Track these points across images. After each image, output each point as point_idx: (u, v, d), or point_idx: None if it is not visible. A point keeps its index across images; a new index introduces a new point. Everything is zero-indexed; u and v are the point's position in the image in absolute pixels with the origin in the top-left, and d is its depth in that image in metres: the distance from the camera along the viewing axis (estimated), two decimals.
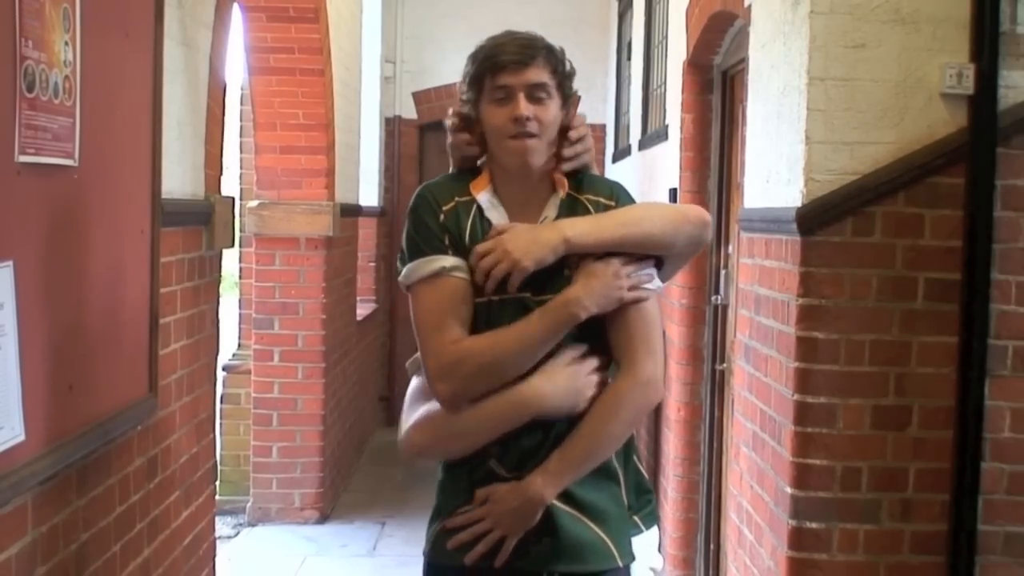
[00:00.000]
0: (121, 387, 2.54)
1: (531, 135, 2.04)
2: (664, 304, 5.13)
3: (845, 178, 2.96)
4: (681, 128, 4.85)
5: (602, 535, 2.08)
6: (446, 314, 2.02)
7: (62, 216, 2.16)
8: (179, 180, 3.00)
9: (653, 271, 2.12)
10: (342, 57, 6.29)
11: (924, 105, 2.98)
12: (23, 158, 1.94)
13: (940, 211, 2.98)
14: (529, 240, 2.01)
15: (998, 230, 2.95)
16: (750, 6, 3.62)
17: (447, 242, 2.05)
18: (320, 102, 5.88)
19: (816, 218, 2.96)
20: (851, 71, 2.97)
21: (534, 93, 2.04)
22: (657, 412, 5.20)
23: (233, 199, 3.61)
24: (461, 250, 2.05)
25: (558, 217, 2.09)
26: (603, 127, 8.24)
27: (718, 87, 4.78)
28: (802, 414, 2.99)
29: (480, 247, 2.02)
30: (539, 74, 2.04)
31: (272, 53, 5.74)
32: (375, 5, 7.76)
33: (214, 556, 3.58)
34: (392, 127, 8.27)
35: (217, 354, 3.42)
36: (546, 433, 2.05)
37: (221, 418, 6.34)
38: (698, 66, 4.79)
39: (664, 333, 2.08)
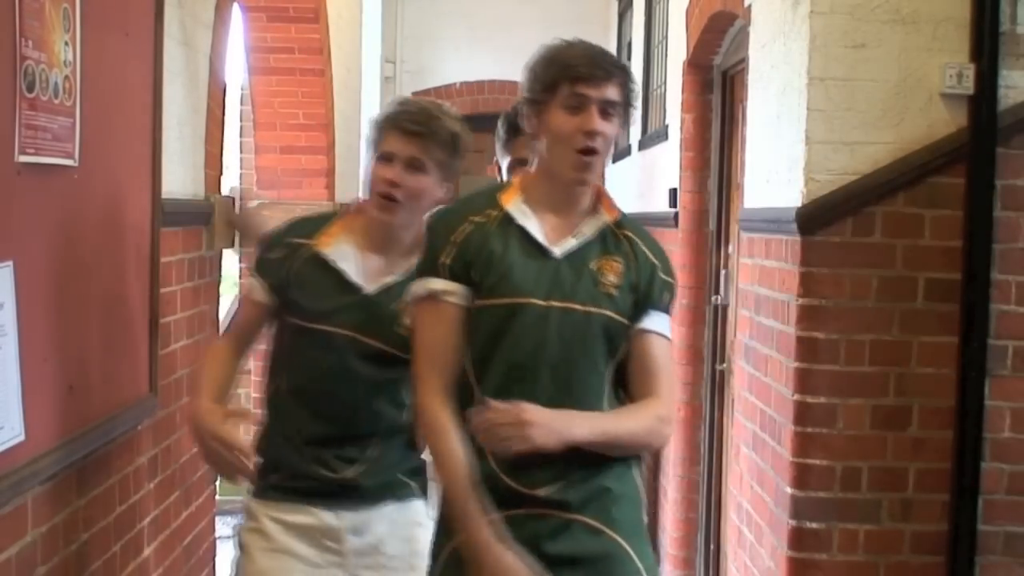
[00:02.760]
0: (121, 387, 2.54)
1: (595, 151, 2.02)
2: None
3: (845, 178, 2.96)
4: (681, 128, 4.85)
5: (620, 541, 2.04)
6: (437, 351, 2.03)
7: (62, 216, 2.16)
8: (179, 180, 3.00)
9: (667, 317, 2.12)
10: (342, 57, 6.29)
11: (924, 105, 2.98)
12: (23, 158, 1.94)
13: (940, 211, 2.98)
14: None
15: (998, 230, 2.95)
16: (750, 6, 3.62)
17: (449, 263, 2.03)
18: (320, 102, 5.88)
19: (816, 218, 2.96)
20: (851, 71, 2.97)
21: (606, 109, 2.03)
22: None
23: (233, 199, 3.61)
24: (479, 268, 2.02)
25: (590, 242, 2.06)
26: None
27: (718, 87, 4.78)
28: (802, 414, 2.99)
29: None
30: (614, 91, 2.04)
31: (272, 53, 5.73)
32: (375, 5, 7.76)
33: (214, 556, 3.58)
34: None
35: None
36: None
37: None
38: (698, 66, 4.79)
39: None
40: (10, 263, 1.91)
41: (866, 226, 2.97)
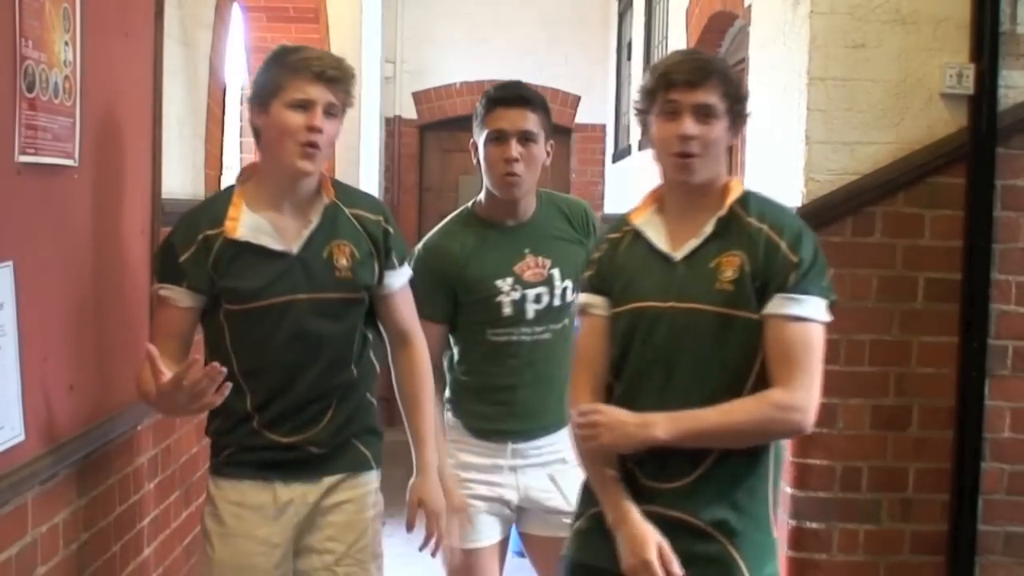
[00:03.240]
0: (121, 387, 2.53)
1: (691, 155, 2.09)
2: None
3: (845, 178, 2.97)
4: None
5: (731, 551, 2.07)
6: (587, 356, 2.22)
7: (62, 216, 2.16)
8: (179, 180, 3.00)
9: (801, 297, 2.07)
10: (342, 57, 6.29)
11: (924, 105, 2.99)
12: (23, 158, 1.94)
13: (940, 211, 2.98)
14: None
15: (998, 230, 2.96)
16: (750, 6, 3.62)
17: (589, 278, 2.24)
18: None
19: (816, 218, 2.95)
20: (851, 71, 2.97)
21: (700, 112, 2.09)
22: None
23: None
24: (612, 279, 2.19)
25: (709, 239, 2.11)
26: (603, 127, 8.23)
27: None
28: None
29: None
30: (708, 95, 2.09)
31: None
32: (375, 5, 7.76)
33: None
34: (392, 127, 8.26)
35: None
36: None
37: None
38: None
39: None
40: (10, 263, 1.91)
41: (866, 226, 2.98)
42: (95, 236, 2.35)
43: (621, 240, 2.23)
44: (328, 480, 2.39)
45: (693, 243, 2.13)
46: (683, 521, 2.08)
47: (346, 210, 2.36)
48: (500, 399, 2.69)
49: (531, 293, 2.66)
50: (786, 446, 2.22)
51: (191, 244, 2.26)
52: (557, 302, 2.68)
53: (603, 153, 8.27)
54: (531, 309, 2.66)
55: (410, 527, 2.51)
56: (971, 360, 2.96)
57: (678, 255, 2.13)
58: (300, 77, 2.21)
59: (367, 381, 2.46)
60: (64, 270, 2.18)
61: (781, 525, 3.05)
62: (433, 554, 2.53)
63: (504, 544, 2.79)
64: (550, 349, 2.69)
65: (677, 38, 5.09)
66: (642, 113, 2.20)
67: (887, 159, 2.98)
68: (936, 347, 2.99)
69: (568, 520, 2.59)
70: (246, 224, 2.27)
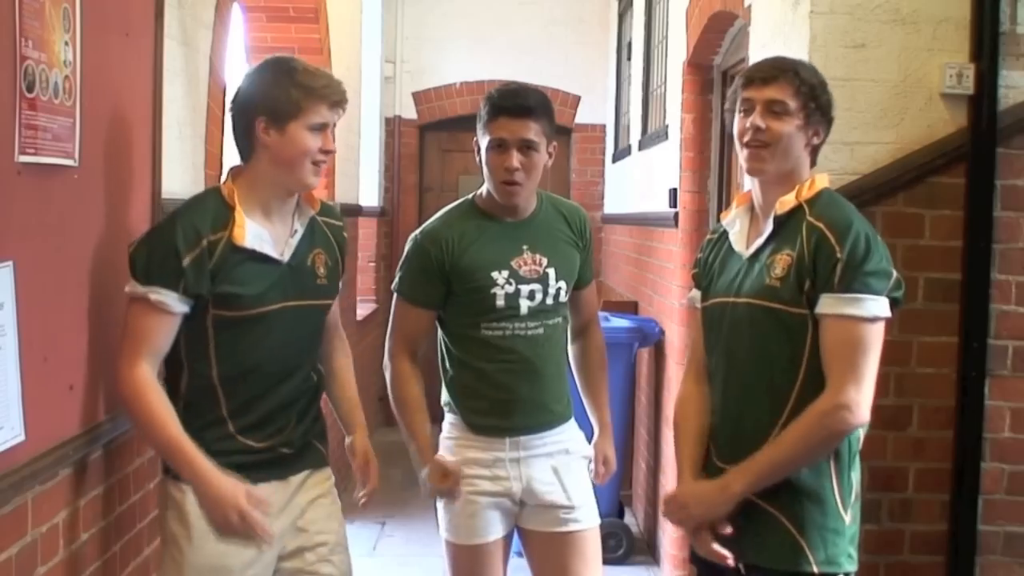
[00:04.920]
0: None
1: (762, 144, 2.22)
2: (664, 305, 5.13)
3: (845, 178, 2.97)
4: (681, 128, 4.85)
5: (796, 535, 2.17)
6: (693, 346, 2.50)
7: (62, 216, 2.16)
8: (179, 180, 3.00)
9: (881, 300, 2.16)
10: (342, 57, 6.29)
11: (924, 105, 2.99)
12: (23, 158, 1.94)
13: (940, 211, 2.98)
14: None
15: (998, 230, 2.95)
16: (750, 6, 3.62)
17: (694, 274, 2.50)
18: None
19: None
20: (851, 71, 2.97)
21: (772, 108, 2.22)
22: (657, 412, 5.21)
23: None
24: (705, 277, 2.43)
25: (770, 236, 2.26)
26: (603, 127, 8.24)
27: (718, 87, 4.78)
28: None
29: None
30: (780, 92, 2.22)
31: (272, 53, 5.72)
32: (375, 5, 7.76)
33: None
34: (392, 127, 8.26)
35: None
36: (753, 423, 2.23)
37: None
38: (698, 66, 4.78)
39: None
40: (10, 263, 1.91)
41: None
42: (95, 236, 2.35)
43: (715, 240, 2.44)
44: (294, 479, 2.44)
45: (758, 241, 2.27)
46: (748, 500, 2.20)
47: (319, 219, 2.47)
48: (495, 395, 2.70)
49: (525, 289, 2.68)
50: (859, 435, 2.24)
51: (194, 247, 2.22)
52: (550, 301, 2.71)
53: (603, 153, 8.27)
54: (524, 305, 2.68)
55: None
56: (971, 360, 2.95)
57: (747, 252, 2.29)
58: (322, 103, 2.30)
59: (322, 385, 2.56)
60: (64, 270, 2.18)
61: None
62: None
63: (508, 539, 2.79)
64: (544, 344, 2.72)
65: (677, 38, 5.09)
66: (729, 114, 2.34)
67: (887, 159, 2.98)
68: (936, 347, 2.99)
69: (567, 515, 2.64)
70: (251, 231, 2.29)
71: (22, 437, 1.97)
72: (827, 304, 2.14)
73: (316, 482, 2.49)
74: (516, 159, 2.61)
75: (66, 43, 2.10)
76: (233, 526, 2.23)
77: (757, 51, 3.55)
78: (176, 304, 2.23)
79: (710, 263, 2.41)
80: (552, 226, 2.76)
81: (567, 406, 2.81)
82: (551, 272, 2.71)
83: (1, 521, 1.92)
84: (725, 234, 2.39)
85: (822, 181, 2.28)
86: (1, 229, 1.89)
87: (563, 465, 2.74)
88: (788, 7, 3.15)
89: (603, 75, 8.17)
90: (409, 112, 8.33)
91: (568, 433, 2.79)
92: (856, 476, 2.24)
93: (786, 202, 2.23)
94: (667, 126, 5.29)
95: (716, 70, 4.78)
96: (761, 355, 2.22)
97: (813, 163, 2.31)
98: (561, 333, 2.80)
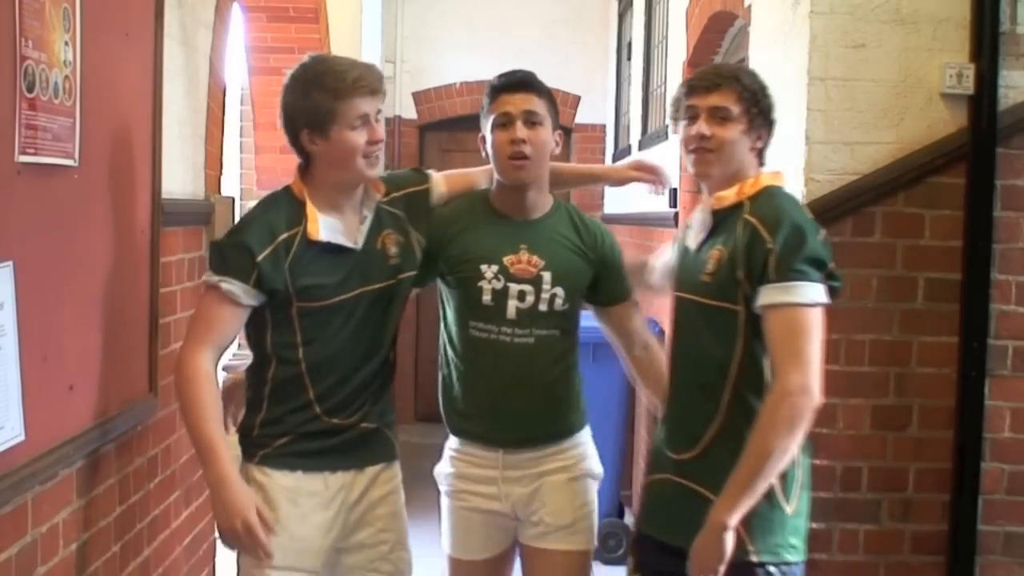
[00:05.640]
0: (121, 387, 2.54)
1: (707, 151, 2.29)
2: (664, 304, 5.12)
3: (845, 178, 2.97)
4: None
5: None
6: None
7: (62, 216, 2.16)
8: (179, 180, 3.00)
9: (817, 286, 2.17)
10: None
11: (924, 105, 2.99)
12: (23, 158, 1.94)
13: (940, 211, 2.98)
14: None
15: (998, 230, 2.96)
16: (750, 6, 3.62)
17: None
18: None
19: (816, 218, 2.95)
20: (851, 71, 2.97)
21: (716, 114, 2.28)
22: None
23: (233, 199, 3.61)
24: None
25: (708, 236, 2.33)
26: (603, 127, 8.23)
27: None
28: None
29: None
30: (723, 99, 2.28)
31: (272, 53, 5.72)
32: (375, 5, 7.76)
33: (214, 556, 3.58)
34: (392, 127, 8.26)
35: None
36: None
37: None
38: (698, 66, 4.77)
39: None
40: (10, 263, 1.91)
41: (866, 226, 2.98)
42: (95, 236, 2.35)
43: (683, 232, 2.49)
44: (370, 470, 2.50)
45: (701, 237, 2.35)
46: (695, 491, 2.24)
47: (383, 207, 2.54)
48: (478, 401, 2.61)
49: (514, 288, 2.54)
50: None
51: (268, 244, 2.31)
52: (543, 307, 2.55)
53: (603, 153, 8.27)
54: (512, 306, 2.54)
55: None
56: (971, 360, 2.95)
57: (692, 244, 2.37)
58: (355, 97, 2.34)
59: (395, 366, 2.60)
60: (64, 270, 2.18)
61: None
62: None
63: (509, 556, 2.70)
64: (533, 355, 2.56)
65: (677, 38, 5.09)
66: (674, 121, 2.40)
67: (887, 159, 2.98)
68: (936, 347, 2.99)
69: (554, 534, 2.57)
70: (323, 225, 2.37)
71: (22, 437, 1.97)
72: (765, 295, 2.16)
73: (388, 477, 2.55)
74: (521, 131, 2.52)
75: (66, 43, 2.10)
76: (236, 534, 2.26)
77: (757, 51, 3.55)
78: (244, 296, 2.30)
79: (677, 256, 2.49)
80: (558, 231, 2.63)
81: (568, 425, 2.65)
82: (546, 275, 2.55)
83: (1, 521, 1.92)
84: (687, 228, 2.47)
85: (769, 179, 2.32)
86: (1, 229, 1.89)
87: (547, 486, 2.59)
88: (788, 7, 3.15)
89: (603, 75, 8.17)
90: (409, 112, 8.33)
91: (569, 452, 2.64)
92: (801, 469, 2.24)
93: (723, 197, 2.30)
94: (667, 126, 5.28)
95: None
96: (697, 349, 2.29)
97: (761, 164, 2.35)
98: (557, 347, 2.60)
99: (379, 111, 2.41)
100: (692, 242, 2.38)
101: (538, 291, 2.56)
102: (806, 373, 2.11)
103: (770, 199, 2.27)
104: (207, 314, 2.35)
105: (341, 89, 2.32)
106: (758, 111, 2.29)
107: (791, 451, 2.14)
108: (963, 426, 2.97)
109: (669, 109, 2.43)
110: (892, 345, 2.99)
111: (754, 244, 2.18)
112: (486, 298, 2.55)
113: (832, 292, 2.20)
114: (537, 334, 2.56)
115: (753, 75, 2.36)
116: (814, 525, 2.98)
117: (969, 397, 2.96)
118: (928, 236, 2.99)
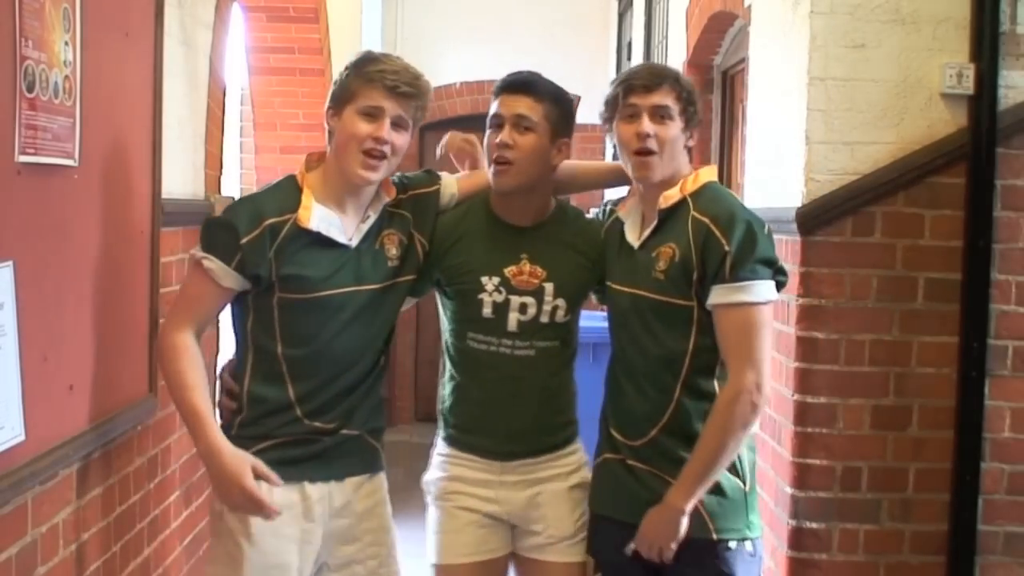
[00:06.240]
0: (121, 387, 2.54)
1: (650, 151, 2.30)
2: None
3: (845, 178, 2.97)
4: None
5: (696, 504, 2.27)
6: None
7: (62, 216, 2.16)
8: (179, 180, 3.00)
9: (769, 283, 2.25)
10: (342, 57, 6.29)
11: (924, 105, 2.99)
12: (23, 158, 1.94)
13: (940, 211, 2.98)
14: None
15: (998, 230, 2.95)
16: (750, 6, 3.62)
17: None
18: (320, 102, 5.76)
19: (816, 218, 2.96)
20: (851, 71, 2.97)
21: (658, 113, 2.31)
22: None
23: (233, 199, 3.60)
24: (604, 259, 2.50)
25: (653, 233, 2.36)
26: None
27: (718, 87, 4.79)
28: (802, 414, 2.99)
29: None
30: (664, 97, 2.31)
31: (272, 53, 5.73)
32: (375, 5, 7.76)
33: None
34: None
35: (217, 354, 3.42)
36: None
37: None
38: (698, 66, 4.79)
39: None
40: (10, 263, 1.91)
41: (866, 226, 2.98)
42: (95, 236, 2.35)
43: (606, 222, 2.52)
44: (351, 480, 2.42)
45: (645, 234, 2.37)
46: (647, 470, 2.34)
47: (394, 210, 2.48)
48: (477, 413, 2.53)
49: (516, 300, 2.46)
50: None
51: (254, 228, 2.27)
52: (545, 319, 2.48)
53: (603, 153, 8.26)
54: (513, 319, 2.46)
55: None
56: (971, 360, 2.95)
57: (636, 242, 2.38)
58: (374, 88, 2.30)
59: (384, 371, 2.56)
60: (64, 270, 2.18)
61: (780, 525, 3.06)
62: None
63: (501, 568, 2.61)
64: (534, 367, 2.48)
65: (677, 38, 5.09)
66: (607, 122, 2.39)
67: (887, 159, 2.98)
68: (936, 347, 2.99)
69: (545, 543, 2.53)
70: (317, 214, 2.32)
71: (22, 437, 1.97)
72: (719, 294, 2.24)
73: (371, 490, 2.47)
74: (506, 134, 2.41)
75: (66, 43, 2.10)
76: (235, 501, 2.23)
77: (757, 51, 3.55)
78: (225, 277, 2.28)
79: (607, 246, 2.49)
80: (560, 237, 2.52)
81: (564, 435, 2.59)
82: (548, 287, 2.47)
83: (1, 521, 1.92)
84: (618, 221, 2.46)
85: (707, 175, 2.38)
86: (1, 229, 1.89)
87: (546, 493, 2.53)
88: (788, 7, 3.15)
89: (603, 75, 8.16)
90: None
91: (565, 459, 2.57)
92: (749, 452, 2.37)
93: (670, 196, 2.32)
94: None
95: (716, 70, 4.79)
96: (649, 345, 2.33)
97: (691, 161, 2.42)
98: (557, 358, 2.52)
99: (400, 117, 2.32)
100: (632, 238, 2.39)
101: (540, 303, 2.48)
102: (759, 370, 2.23)
103: (716, 196, 2.34)
104: (189, 291, 2.37)
105: (367, 74, 2.32)
106: (693, 111, 2.35)
107: (744, 442, 2.28)
108: (963, 426, 2.97)
109: (602, 109, 2.41)
110: (892, 345, 2.98)
111: (709, 245, 2.24)
112: (487, 311, 2.47)
113: (778, 287, 2.29)
114: (538, 346, 2.49)
115: (686, 76, 2.43)
116: (814, 525, 2.99)
117: (969, 397, 2.96)
118: (928, 236, 2.99)
